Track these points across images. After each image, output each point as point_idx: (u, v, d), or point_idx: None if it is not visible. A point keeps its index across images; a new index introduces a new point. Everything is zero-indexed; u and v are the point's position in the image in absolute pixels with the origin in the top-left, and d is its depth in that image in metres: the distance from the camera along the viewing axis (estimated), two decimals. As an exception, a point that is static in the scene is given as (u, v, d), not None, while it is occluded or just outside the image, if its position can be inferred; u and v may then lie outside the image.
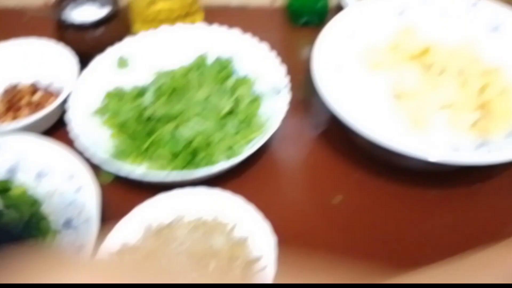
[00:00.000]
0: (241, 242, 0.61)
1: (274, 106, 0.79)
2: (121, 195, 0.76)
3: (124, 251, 0.61)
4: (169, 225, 0.63)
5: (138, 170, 0.71)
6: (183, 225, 0.63)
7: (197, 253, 0.59)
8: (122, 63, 0.87)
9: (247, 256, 0.60)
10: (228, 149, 0.76)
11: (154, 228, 0.64)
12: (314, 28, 0.84)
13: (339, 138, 0.80)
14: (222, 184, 0.74)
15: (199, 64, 0.87)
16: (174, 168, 0.75)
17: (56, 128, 0.86)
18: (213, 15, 0.98)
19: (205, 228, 0.63)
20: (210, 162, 0.75)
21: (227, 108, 0.78)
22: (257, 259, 0.60)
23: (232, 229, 0.64)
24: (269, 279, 0.57)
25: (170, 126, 0.77)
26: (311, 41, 0.78)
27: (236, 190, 0.68)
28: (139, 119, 0.80)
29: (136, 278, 0.36)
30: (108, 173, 0.79)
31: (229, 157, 0.76)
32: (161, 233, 0.62)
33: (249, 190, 0.69)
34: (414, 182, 0.74)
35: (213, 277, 0.57)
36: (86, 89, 0.82)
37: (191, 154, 0.76)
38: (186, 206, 0.66)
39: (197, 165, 0.76)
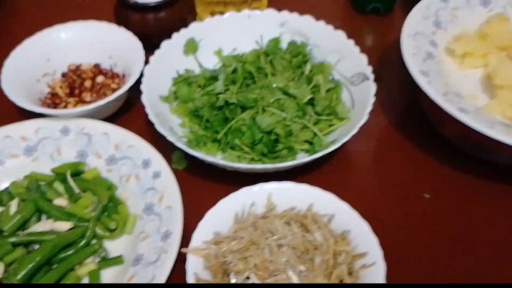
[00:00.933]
0: (342, 237, 0.58)
1: (357, 95, 0.75)
2: (193, 183, 0.73)
3: (220, 240, 0.58)
4: (263, 217, 0.60)
5: (214, 159, 0.67)
6: (277, 217, 0.60)
7: (300, 247, 0.56)
8: (191, 48, 0.84)
9: (351, 251, 0.57)
10: (310, 139, 0.73)
11: (246, 219, 0.61)
12: (380, 17, 0.81)
13: (422, 130, 0.77)
14: (298, 176, 0.72)
15: (272, 48, 0.83)
16: (252, 158, 0.72)
17: (119, 114, 0.83)
18: (275, 2, 0.94)
19: (300, 221, 0.60)
20: (290, 153, 0.72)
21: (308, 97, 0.75)
22: (362, 255, 0.57)
23: (328, 223, 0.61)
24: (380, 276, 0.54)
25: (248, 114, 0.73)
26: (378, 29, 0.75)
27: (314, 182, 0.65)
28: (212, 106, 0.77)
29: None
30: (181, 161, 0.76)
31: (310, 148, 0.73)
32: (256, 224, 0.58)
33: (329, 183, 0.66)
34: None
35: (321, 271, 0.54)
36: (155, 74, 0.78)
37: (270, 144, 0.72)
38: (276, 198, 0.63)
39: (277, 156, 0.73)
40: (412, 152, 0.76)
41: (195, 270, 0.56)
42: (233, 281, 0.54)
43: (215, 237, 0.60)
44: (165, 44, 0.81)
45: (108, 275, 0.64)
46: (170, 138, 0.68)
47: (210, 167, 0.73)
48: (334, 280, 0.54)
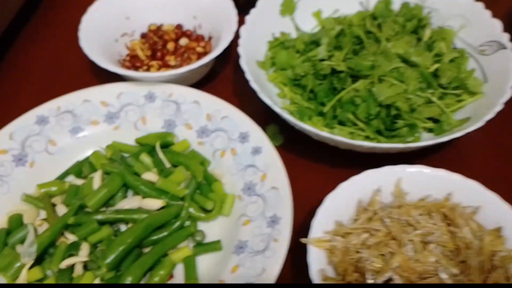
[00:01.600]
0: (497, 234, 0.48)
1: (490, 67, 0.64)
2: (291, 162, 0.63)
3: (347, 231, 0.49)
4: (398, 206, 0.50)
5: (331, 135, 0.57)
6: (413, 207, 0.50)
7: (449, 245, 0.46)
8: (288, 8, 0.74)
9: (507, 251, 0.47)
10: (435, 116, 0.62)
11: (373, 208, 0.51)
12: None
13: None
14: (415, 159, 0.61)
15: (381, 11, 0.72)
16: (367, 136, 0.62)
17: (202, 82, 0.74)
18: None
19: (443, 213, 0.50)
20: (410, 131, 0.62)
21: (434, 66, 0.64)
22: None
23: (473, 215, 0.50)
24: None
25: (362, 84, 0.63)
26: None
27: (439, 165, 0.54)
28: (316, 75, 0.67)
29: None
30: (276, 137, 0.67)
31: (436, 127, 0.62)
32: (391, 215, 0.49)
33: (459, 167, 0.56)
34: None
35: (477, 276, 0.44)
36: (252, 36, 0.68)
37: (389, 120, 0.62)
38: (405, 184, 0.53)
39: (395, 134, 0.62)
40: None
41: (319, 265, 0.47)
42: (369, 281, 0.45)
43: (337, 227, 0.50)
44: (261, 2, 0.71)
45: (205, 262, 0.56)
46: (276, 108, 0.59)
47: (309, 144, 0.64)
48: (490, 286, 0.45)
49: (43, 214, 0.60)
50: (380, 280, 0.44)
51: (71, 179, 0.63)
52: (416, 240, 0.46)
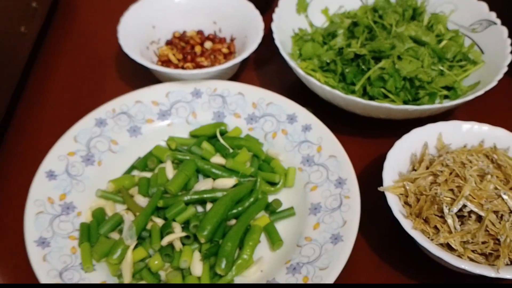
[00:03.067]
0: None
1: (484, 41, 0.77)
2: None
3: (414, 177, 0.58)
4: (446, 152, 0.60)
5: (375, 103, 0.67)
6: (459, 152, 0.60)
7: (500, 175, 0.56)
8: (302, 6, 0.83)
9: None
10: (449, 84, 0.73)
11: (425, 158, 0.60)
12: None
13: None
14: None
15: (381, 3, 0.83)
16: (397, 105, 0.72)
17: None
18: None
19: (481, 153, 0.60)
20: (430, 99, 0.73)
21: (443, 42, 0.75)
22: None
23: (506, 153, 0.61)
24: None
25: (386, 63, 0.73)
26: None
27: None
28: (342, 60, 0.76)
29: None
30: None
31: (451, 94, 0.73)
32: (449, 157, 0.58)
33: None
34: None
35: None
36: (280, 31, 0.76)
37: (413, 91, 0.72)
38: (445, 138, 0.64)
39: (419, 102, 0.73)
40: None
41: (397, 207, 0.56)
42: (446, 211, 0.54)
43: (403, 176, 0.59)
44: (281, 3, 0.80)
45: (284, 227, 0.62)
46: (326, 87, 0.67)
47: (342, 120, 0.73)
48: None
49: (118, 207, 0.64)
50: (455, 208, 0.53)
51: (137, 173, 0.68)
52: (474, 174, 0.56)
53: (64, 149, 0.66)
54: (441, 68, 0.74)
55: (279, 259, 0.59)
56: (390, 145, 0.63)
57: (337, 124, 0.74)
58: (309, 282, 0.54)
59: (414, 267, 0.60)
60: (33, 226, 0.58)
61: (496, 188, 0.55)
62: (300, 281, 0.54)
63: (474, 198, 0.54)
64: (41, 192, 0.61)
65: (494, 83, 0.67)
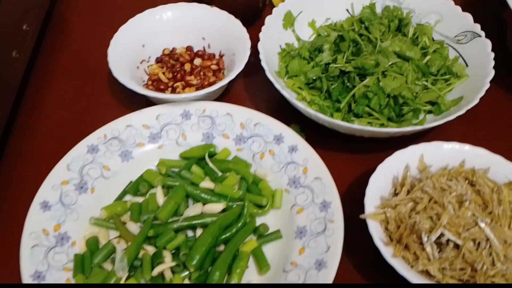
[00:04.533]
0: (508, 186, 0.61)
1: (468, 53, 0.77)
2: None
3: (395, 203, 0.59)
4: (426, 178, 0.62)
5: (358, 126, 0.68)
6: (438, 175, 0.62)
7: (478, 200, 0.58)
8: (288, 21, 0.83)
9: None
10: (433, 100, 0.74)
11: (406, 181, 0.62)
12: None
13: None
14: (421, 138, 0.74)
15: (368, 15, 0.83)
16: (381, 122, 0.73)
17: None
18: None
19: (465, 176, 0.62)
20: (414, 115, 0.74)
21: (427, 58, 0.76)
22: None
23: (486, 174, 0.63)
24: None
25: (371, 80, 0.74)
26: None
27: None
28: (327, 77, 0.77)
29: None
30: (299, 134, 0.76)
31: (435, 109, 0.74)
32: (429, 183, 0.60)
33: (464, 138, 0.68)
34: None
35: (505, 221, 0.56)
36: (266, 50, 0.77)
37: (397, 108, 0.74)
38: (426, 159, 0.65)
39: (403, 119, 0.74)
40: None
41: (378, 234, 0.58)
42: (425, 240, 0.56)
43: (385, 201, 0.61)
44: (268, 19, 0.80)
45: (270, 250, 0.65)
46: (309, 110, 0.68)
47: (329, 138, 0.75)
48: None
49: (112, 234, 0.67)
50: (434, 237, 0.55)
51: (129, 198, 0.70)
52: (453, 201, 0.58)
53: (58, 178, 0.68)
54: (425, 83, 0.75)
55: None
56: (376, 160, 0.65)
57: (323, 141, 0.75)
58: (294, 309, 0.56)
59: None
60: (28, 260, 0.60)
61: (474, 215, 0.56)
62: (285, 309, 0.57)
63: (452, 227, 0.55)
64: (36, 224, 0.63)
65: (475, 101, 0.68)
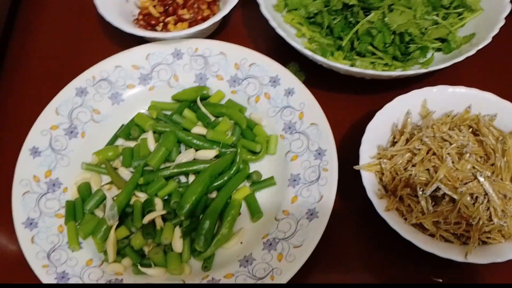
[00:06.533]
0: (514, 135, 0.57)
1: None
2: (316, 96, 0.69)
3: (392, 153, 0.57)
4: (428, 126, 0.58)
5: (358, 69, 0.64)
6: (440, 123, 0.58)
7: (480, 152, 0.55)
8: None
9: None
10: (443, 36, 0.69)
11: (407, 129, 0.59)
12: None
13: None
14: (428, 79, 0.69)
15: None
16: (385, 62, 0.69)
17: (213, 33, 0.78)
18: None
19: (465, 124, 0.58)
20: (422, 53, 0.69)
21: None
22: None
23: (492, 122, 0.59)
24: None
25: (375, 16, 0.68)
26: None
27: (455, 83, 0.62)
28: (329, 11, 0.72)
29: None
30: (298, 74, 0.72)
31: (444, 46, 0.69)
32: (426, 134, 0.56)
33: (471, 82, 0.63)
34: None
35: (506, 174, 0.53)
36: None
37: (403, 46, 0.68)
38: (430, 104, 0.61)
39: (409, 58, 0.69)
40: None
41: (372, 186, 0.56)
42: (419, 193, 0.54)
43: (381, 151, 0.58)
44: None
45: (263, 197, 0.63)
46: (305, 51, 0.64)
47: (329, 78, 0.70)
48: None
49: (104, 178, 0.66)
50: (429, 191, 0.53)
51: (121, 142, 0.68)
52: (453, 152, 0.55)
53: (47, 123, 0.66)
54: (435, 17, 0.69)
55: (258, 232, 0.61)
56: (378, 102, 0.61)
57: (322, 81, 0.72)
58: (283, 260, 0.56)
59: (389, 244, 0.59)
60: (20, 207, 0.60)
61: (473, 168, 0.53)
62: (275, 258, 0.56)
63: (449, 181, 0.53)
64: (26, 171, 0.63)
65: (488, 40, 0.63)
